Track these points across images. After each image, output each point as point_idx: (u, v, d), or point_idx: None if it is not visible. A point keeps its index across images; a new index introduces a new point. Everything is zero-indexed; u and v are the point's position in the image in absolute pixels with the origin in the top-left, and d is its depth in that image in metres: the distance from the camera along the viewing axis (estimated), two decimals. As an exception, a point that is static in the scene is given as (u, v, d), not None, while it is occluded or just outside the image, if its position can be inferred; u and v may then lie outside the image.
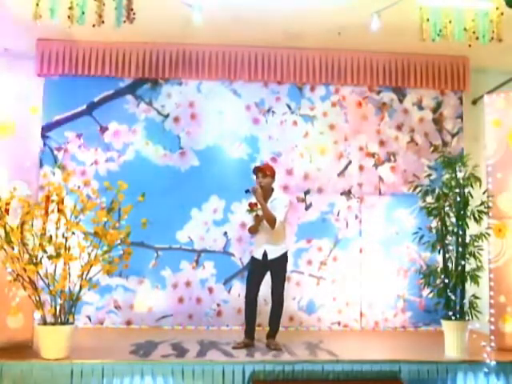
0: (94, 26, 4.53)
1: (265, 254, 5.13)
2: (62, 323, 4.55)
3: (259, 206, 5.06)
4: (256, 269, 5.20)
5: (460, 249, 4.95)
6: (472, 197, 5.04)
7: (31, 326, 4.91)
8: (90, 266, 4.61)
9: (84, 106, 6.53)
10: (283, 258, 5.19)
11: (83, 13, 4.50)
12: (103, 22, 4.56)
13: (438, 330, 5.93)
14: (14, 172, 4.98)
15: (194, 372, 4.37)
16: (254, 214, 5.11)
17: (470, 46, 5.19)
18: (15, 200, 4.64)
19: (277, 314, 5.18)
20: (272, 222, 5.03)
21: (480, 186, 5.07)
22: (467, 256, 4.94)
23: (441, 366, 4.56)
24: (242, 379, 4.38)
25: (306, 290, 6.51)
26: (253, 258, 5.27)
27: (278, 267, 5.16)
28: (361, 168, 6.72)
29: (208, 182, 6.51)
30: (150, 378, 4.34)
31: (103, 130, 6.54)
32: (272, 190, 5.23)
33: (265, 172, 5.18)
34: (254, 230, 5.19)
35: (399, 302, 6.56)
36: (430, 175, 6.14)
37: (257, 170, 5.21)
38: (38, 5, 4.53)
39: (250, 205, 5.13)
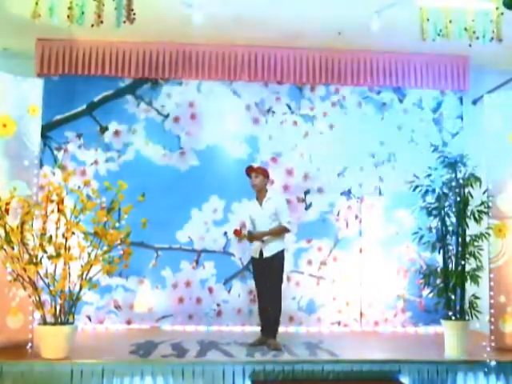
0: (92, 26, 4.52)
1: (261, 253, 5.21)
2: (62, 323, 4.55)
3: (243, 232, 5.29)
4: (256, 267, 5.31)
5: (460, 249, 4.95)
6: (472, 197, 5.04)
7: (31, 326, 4.92)
8: (90, 266, 4.62)
9: (84, 106, 6.53)
10: (278, 255, 5.23)
11: (83, 13, 4.50)
12: (102, 21, 4.55)
13: (437, 330, 5.92)
14: (13, 172, 4.98)
15: (193, 372, 4.37)
16: (242, 239, 5.31)
17: (470, 45, 5.19)
18: (15, 200, 4.64)
19: (275, 313, 5.18)
20: (284, 232, 5.28)
21: (480, 186, 5.07)
22: (467, 256, 4.95)
23: (441, 366, 4.56)
24: (242, 379, 4.38)
25: (306, 290, 6.50)
26: (251, 258, 5.39)
27: (273, 265, 5.20)
28: (361, 168, 6.72)
29: (208, 182, 6.50)
30: (150, 378, 4.34)
31: (103, 130, 6.54)
32: (266, 190, 5.36)
33: (256, 171, 5.32)
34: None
35: (399, 302, 6.56)
36: (430, 175, 6.14)
37: (249, 171, 5.35)
38: (37, 4, 4.52)
39: (236, 232, 5.28)
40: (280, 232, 5.24)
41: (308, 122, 6.73)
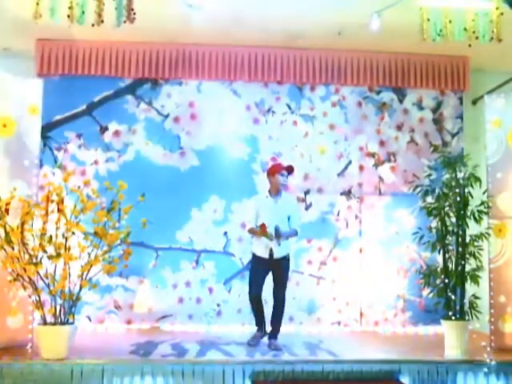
0: (93, 25, 4.52)
1: (271, 253, 5.10)
2: (62, 323, 4.55)
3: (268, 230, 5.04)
4: (260, 267, 5.17)
5: (460, 249, 4.95)
6: (472, 197, 5.04)
7: (31, 326, 4.91)
8: (90, 266, 4.61)
9: (84, 106, 6.53)
10: (287, 258, 5.21)
11: (83, 12, 4.50)
12: (102, 21, 4.55)
13: (438, 330, 5.92)
14: (13, 172, 4.97)
15: (193, 372, 4.37)
16: (266, 236, 5.02)
17: (469, 45, 5.20)
18: (15, 200, 4.64)
19: (279, 314, 5.19)
20: (295, 236, 5.28)
21: (480, 186, 5.08)
22: (467, 256, 4.95)
23: (441, 366, 4.55)
24: (242, 379, 4.38)
25: (306, 290, 6.50)
26: (256, 257, 5.21)
27: (281, 267, 5.17)
28: (361, 168, 6.72)
29: (208, 182, 6.50)
30: (150, 378, 4.34)
31: (103, 130, 6.54)
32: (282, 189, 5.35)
33: (292, 173, 5.41)
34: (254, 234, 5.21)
35: (399, 302, 6.56)
36: (430, 175, 6.15)
37: (289, 170, 5.34)
38: (38, 4, 4.52)
39: (262, 227, 5.01)
40: (293, 236, 5.24)
41: (308, 122, 6.73)
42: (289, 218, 5.19)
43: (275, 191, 5.25)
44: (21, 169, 5.01)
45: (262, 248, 5.14)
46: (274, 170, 5.29)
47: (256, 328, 5.33)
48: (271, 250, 5.10)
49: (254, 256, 5.23)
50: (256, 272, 5.21)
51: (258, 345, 5.15)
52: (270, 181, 5.29)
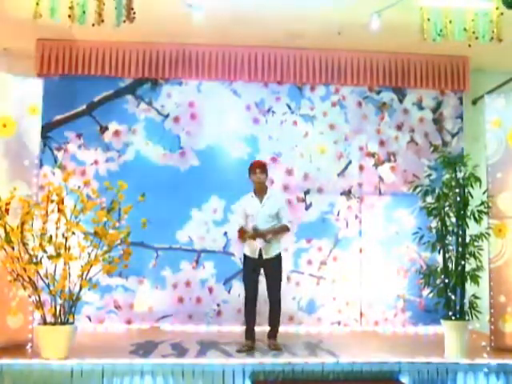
0: (93, 25, 4.53)
1: (260, 253, 5.09)
2: (62, 323, 4.55)
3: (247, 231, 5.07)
4: (251, 267, 5.16)
5: (460, 249, 4.94)
6: (472, 197, 5.04)
7: (31, 326, 4.91)
8: (90, 266, 4.61)
9: (84, 106, 6.53)
10: (279, 257, 5.19)
11: (84, 12, 4.50)
12: (103, 20, 4.55)
13: (438, 330, 5.92)
14: (13, 172, 4.98)
15: (194, 372, 4.37)
16: (248, 239, 5.07)
17: (469, 45, 5.20)
18: (15, 200, 4.64)
19: (276, 313, 5.17)
20: (286, 231, 5.24)
21: (480, 186, 5.07)
22: (467, 256, 4.94)
23: (441, 366, 4.55)
24: (242, 379, 4.37)
25: (305, 290, 6.50)
26: (246, 257, 5.21)
27: (272, 267, 5.14)
28: (361, 168, 6.72)
29: (208, 182, 6.50)
30: (150, 378, 4.34)
31: (103, 130, 6.54)
32: (266, 186, 5.28)
33: (263, 167, 5.22)
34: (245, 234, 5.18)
35: (399, 301, 6.56)
36: (430, 175, 6.15)
37: (256, 166, 5.20)
38: (38, 4, 4.52)
39: (241, 235, 5.09)
40: (283, 231, 5.18)
41: (308, 122, 6.73)
42: (278, 215, 5.17)
43: (258, 190, 5.21)
44: (21, 169, 5.02)
45: (251, 248, 5.13)
46: (249, 171, 5.26)
47: (245, 340, 5.10)
48: (260, 251, 5.08)
49: (245, 256, 5.23)
50: (248, 273, 5.19)
51: (248, 351, 4.94)
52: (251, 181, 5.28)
